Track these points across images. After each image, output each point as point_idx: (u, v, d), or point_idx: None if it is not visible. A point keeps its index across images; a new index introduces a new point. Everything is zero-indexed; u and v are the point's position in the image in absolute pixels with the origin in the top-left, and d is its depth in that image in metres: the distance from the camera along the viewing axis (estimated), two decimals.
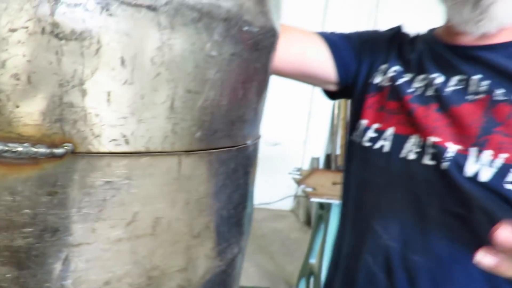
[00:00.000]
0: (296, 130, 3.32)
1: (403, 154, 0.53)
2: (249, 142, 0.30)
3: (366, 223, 0.56)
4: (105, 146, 0.20)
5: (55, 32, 0.18)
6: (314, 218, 2.41)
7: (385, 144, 0.55)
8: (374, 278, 0.53)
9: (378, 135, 0.56)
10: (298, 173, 1.87)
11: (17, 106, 0.18)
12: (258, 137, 0.34)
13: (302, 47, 0.59)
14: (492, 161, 0.45)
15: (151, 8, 0.20)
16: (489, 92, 0.47)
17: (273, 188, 3.36)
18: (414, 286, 0.50)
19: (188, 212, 0.25)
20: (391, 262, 0.52)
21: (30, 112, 0.18)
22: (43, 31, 0.17)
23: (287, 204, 3.47)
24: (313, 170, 2.17)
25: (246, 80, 0.27)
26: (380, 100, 0.57)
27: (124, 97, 0.20)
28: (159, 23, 0.21)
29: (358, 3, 3.10)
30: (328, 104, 3.20)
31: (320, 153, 3.27)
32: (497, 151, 0.45)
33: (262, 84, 0.31)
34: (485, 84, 0.48)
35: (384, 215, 0.54)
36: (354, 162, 0.61)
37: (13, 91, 0.17)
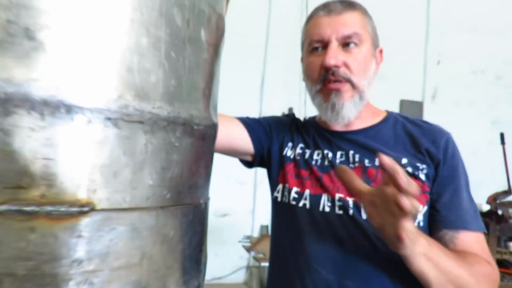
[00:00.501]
0: (244, 200, 3.44)
1: (320, 208, 0.72)
2: (201, 201, 0.44)
3: (307, 265, 0.71)
4: (113, 205, 0.32)
5: (87, 140, 0.31)
6: (267, 283, 2.43)
7: (306, 202, 0.74)
8: None
9: (299, 196, 0.75)
10: (248, 240, 1.95)
11: (62, 184, 0.30)
12: (207, 198, 0.47)
13: (227, 129, 0.79)
14: None
15: (140, 122, 0.34)
16: (361, 161, 0.71)
17: (225, 260, 3.33)
18: None
19: (163, 249, 0.36)
20: None
21: (70, 188, 0.30)
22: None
23: (240, 277, 3.41)
24: (263, 236, 2.26)
25: (197, 159, 0.42)
26: (295, 169, 0.78)
27: (124, 175, 0.33)
28: (144, 130, 0.35)
29: (289, 82, 3.55)
30: None
31: (269, 221, 3.39)
32: None
33: (208, 161, 0.45)
34: (357, 156, 0.72)
35: (319, 256, 0.70)
36: (283, 219, 0.78)
37: (63, 180, 0.30)
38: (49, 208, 0.30)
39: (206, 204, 0.46)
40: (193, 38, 0.40)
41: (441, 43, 4.02)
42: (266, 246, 1.96)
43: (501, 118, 4.11)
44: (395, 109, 4.01)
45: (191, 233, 0.41)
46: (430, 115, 4.02)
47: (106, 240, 0.32)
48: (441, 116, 4.04)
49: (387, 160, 0.47)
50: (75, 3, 0.31)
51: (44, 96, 0.29)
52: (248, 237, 2.06)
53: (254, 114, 0.93)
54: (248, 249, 1.79)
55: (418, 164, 0.71)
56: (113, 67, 0.33)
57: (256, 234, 3.29)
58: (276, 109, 3.28)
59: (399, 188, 0.47)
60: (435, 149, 0.72)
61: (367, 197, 0.55)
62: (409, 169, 0.71)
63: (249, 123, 0.83)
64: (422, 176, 0.71)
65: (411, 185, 0.47)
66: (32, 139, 0.29)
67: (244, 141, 0.81)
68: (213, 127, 0.46)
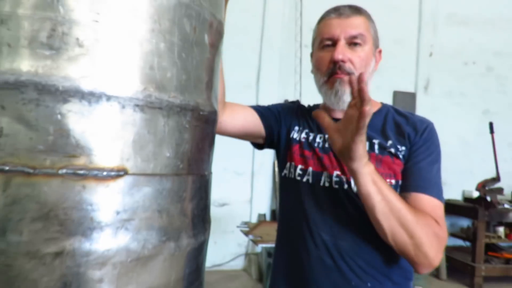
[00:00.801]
0: (242, 190, 3.55)
1: (321, 183, 0.84)
2: (206, 172, 0.54)
3: (308, 229, 0.85)
4: (140, 171, 0.42)
5: (121, 121, 0.41)
6: (265, 268, 2.54)
7: (309, 178, 0.86)
8: (322, 260, 0.82)
9: (303, 173, 0.87)
10: (246, 226, 2.06)
11: (104, 154, 0.40)
12: (210, 172, 0.58)
13: (243, 116, 0.91)
14: None
15: (160, 108, 0.45)
16: None
17: (224, 248, 3.45)
18: (344, 259, 0.81)
19: (178, 207, 0.47)
20: (329, 248, 0.81)
21: (109, 157, 0.40)
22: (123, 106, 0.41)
23: (239, 264, 3.54)
24: (260, 222, 2.38)
25: (202, 139, 0.52)
26: (300, 149, 0.90)
27: (148, 148, 0.43)
28: (162, 114, 0.45)
29: (285, 78, 3.64)
30: (269, 164, 3.53)
31: (266, 210, 3.50)
32: None
33: (211, 141, 0.56)
34: None
35: (318, 222, 0.84)
36: (290, 192, 0.90)
37: (104, 151, 0.40)
38: (95, 172, 0.40)
39: (209, 176, 0.57)
40: (199, 41, 0.50)
41: (433, 35, 4.11)
42: (263, 230, 2.07)
43: (492, 108, 4.23)
44: (389, 100, 4.12)
45: (199, 197, 0.51)
46: (422, 106, 4.13)
47: (136, 197, 0.42)
48: (433, 106, 4.15)
49: (354, 79, 0.66)
50: (111, 19, 0.41)
51: (90, 88, 0.40)
52: (246, 223, 2.17)
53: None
54: (246, 233, 1.91)
55: (399, 146, 0.84)
56: (139, 66, 0.43)
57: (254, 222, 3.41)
58: (272, 102, 3.38)
59: (363, 81, 0.63)
60: (414, 134, 0.85)
61: (333, 127, 0.72)
62: (392, 150, 0.84)
63: (261, 111, 0.96)
64: (401, 156, 0.84)
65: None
66: (82, 120, 0.39)
67: (257, 126, 0.93)
68: (215, 113, 0.56)
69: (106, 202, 0.40)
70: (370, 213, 0.73)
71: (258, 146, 1.02)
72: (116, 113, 0.41)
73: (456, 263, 3.57)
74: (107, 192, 0.41)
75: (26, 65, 0.38)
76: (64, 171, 0.39)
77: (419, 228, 0.72)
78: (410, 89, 4.15)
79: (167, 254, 0.46)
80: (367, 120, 0.65)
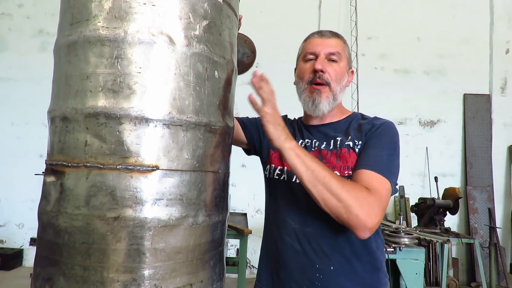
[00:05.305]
0: None
1: (293, 179, 0.99)
2: (220, 171, 0.74)
3: (283, 220, 1.00)
4: (168, 167, 0.64)
5: (155, 135, 0.64)
6: None
7: (285, 176, 1.02)
8: (292, 246, 0.97)
9: (281, 172, 1.03)
10: None
11: (144, 156, 0.63)
12: (226, 171, 0.78)
13: None
14: None
15: (180, 125, 0.66)
16: (318, 146, 0.97)
17: None
18: (310, 244, 0.94)
19: (195, 193, 0.68)
20: (297, 235, 0.96)
21: (148, 157, 0.63)
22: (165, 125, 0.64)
23: None
24: None
25: (215, 146, 0.73)
26: (277, 153, 1.05)
27: (173, 152, 0.65)
28: (182, 129, 0.67)
29: None
30: None
31: None
32: None
33: (224, 147, 0.76)
34: (317, 143, 1.00)
35: (291, 212, 0.98)
36: (271, 189, 1.06)
37: (144, 154, 0.63)
38: (138, 167, 0.63)
39: (224, 174, 0.77)
40: (210, 76, 0.71)
41: (508, 30, 3.79)
42: None
43: None
44: (459, 104, 3.88)
45: (212, 188, 0.72)
46: (500, 108, 3.81)
47: (164, 184, 0.64)
48: None
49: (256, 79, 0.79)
50: (148, 70, 0.64)
51: (136, 115, 0.63)
52: None
53: None
54: None
55: (356, 141, 0.96)
56: (166, 99, 0.65)
57: None
58: None
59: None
60: (369, 129, 0.97)
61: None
62: (350, 143, 0.96)
63: (244, 121, 1.14)
64: (357, 150, 0.95)
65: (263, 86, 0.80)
66: (131, 135, 0.63)
67: (239, 136, 1.12)
68: (227, 127, 0.76)
69: (145, 187, 0.63)
70: (302, 184, 0.83)
71: (246, 151, 1.19)
72: (152, 129, 0.64)
73: None
74: (146, 181, 0.63)
75: (100, 102, 0.63)
76: (120, 166, 0.62)
77: (345, 191, 0.80)
78: (483, 91, 3.86)
79: (187, 225, 0.67)
80: (264, 109, 0.80)
